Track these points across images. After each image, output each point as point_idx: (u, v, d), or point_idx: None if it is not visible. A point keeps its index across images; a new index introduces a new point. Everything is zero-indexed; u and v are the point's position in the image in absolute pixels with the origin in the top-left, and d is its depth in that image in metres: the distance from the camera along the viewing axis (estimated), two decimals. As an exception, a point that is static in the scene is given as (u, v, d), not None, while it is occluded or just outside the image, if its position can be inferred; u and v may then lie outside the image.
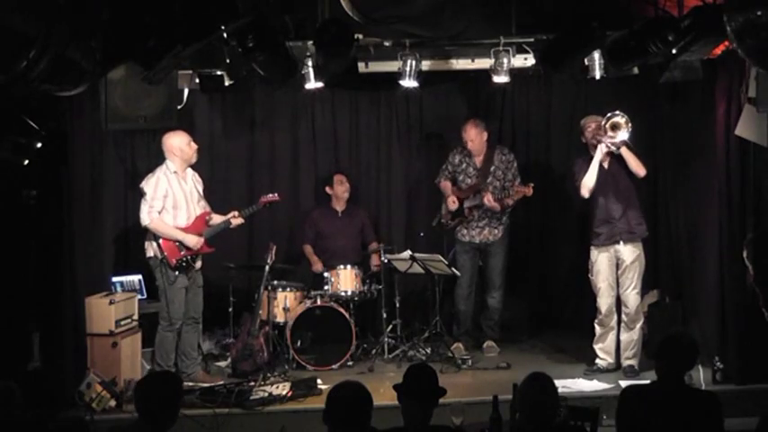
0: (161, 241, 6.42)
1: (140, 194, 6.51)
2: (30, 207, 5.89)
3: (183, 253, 6.45)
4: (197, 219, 6.62)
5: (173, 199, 6.49)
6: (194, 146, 6.67)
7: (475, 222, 7.25)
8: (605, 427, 4.39)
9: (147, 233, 6.51)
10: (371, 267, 7.51)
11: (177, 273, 6.44)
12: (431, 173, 7.82)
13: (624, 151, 6.41)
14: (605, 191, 6.53)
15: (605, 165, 6.52)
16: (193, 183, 6.70)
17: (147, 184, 6.46)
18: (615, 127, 6.30)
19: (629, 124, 6.29)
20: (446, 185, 7.41)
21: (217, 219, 6.79)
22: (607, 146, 6.38)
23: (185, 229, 6.51)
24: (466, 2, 5.60)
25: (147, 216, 6.40)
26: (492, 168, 7.23)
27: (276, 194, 7.14)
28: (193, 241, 6.47)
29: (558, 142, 8.14)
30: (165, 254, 6.40)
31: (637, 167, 6.43)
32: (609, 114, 6.33)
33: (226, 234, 6.87)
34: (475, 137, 7.18)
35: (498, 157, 7.27)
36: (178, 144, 6.56)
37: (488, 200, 7.06)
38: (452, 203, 7.26)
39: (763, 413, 3.64)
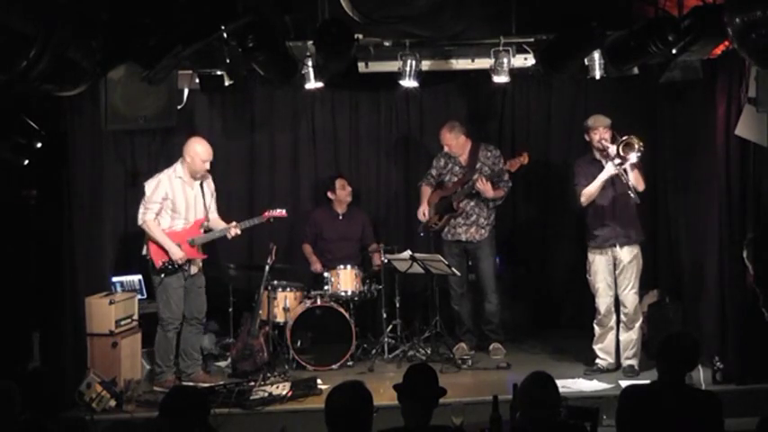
0: (149, 243, 6.42)
1: (142, 192, 6.50)
2: (30, 207, 5.89)
3: (169, 257, 6.42)
4: (192, 224, 6.57)
5: (172, 203, 6.46)
6: (206, 165, 6.52)
7: (462, 219, 7.21)
8: (605, 427, 4.39)
9: (145, 233, 6.49)
10: (373, 267, 7.51)
11: (163, 275, 6.40)
12: (431, 172, 7.81)
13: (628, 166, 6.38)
14: (604, 195, 6.50)
15: None
16: (201, 191, 6.59)
17: (148, 185, 6.46)
18: (628, 147, 6.26)
19: (642, 148, 6.23)
20: (425, 191, 7.39)
21: (216, 225, 6.72)
22: (616, 168, 6.32)
23: (178, 234, 6.46)
24: (466, 2, 5.59)
25: (141, 216, 6.42)
26: (478, 165, 7.17)
27: (284, 211, 7.01)
28: (177, 254, 6.39)
29: (558, 142, 8.14)
30: (152, 255, 6.40)
31: (636, 182, 6.37)
32: (623, 138, 6.27)
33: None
34: (450, 141, 7.16)
35: (483, 155, 7.21)
36: (193, 153, 6.47)
37: (481, 182, 7.01)
38: (422, 215, 7.27)
39: (763, 413, 3.64)
